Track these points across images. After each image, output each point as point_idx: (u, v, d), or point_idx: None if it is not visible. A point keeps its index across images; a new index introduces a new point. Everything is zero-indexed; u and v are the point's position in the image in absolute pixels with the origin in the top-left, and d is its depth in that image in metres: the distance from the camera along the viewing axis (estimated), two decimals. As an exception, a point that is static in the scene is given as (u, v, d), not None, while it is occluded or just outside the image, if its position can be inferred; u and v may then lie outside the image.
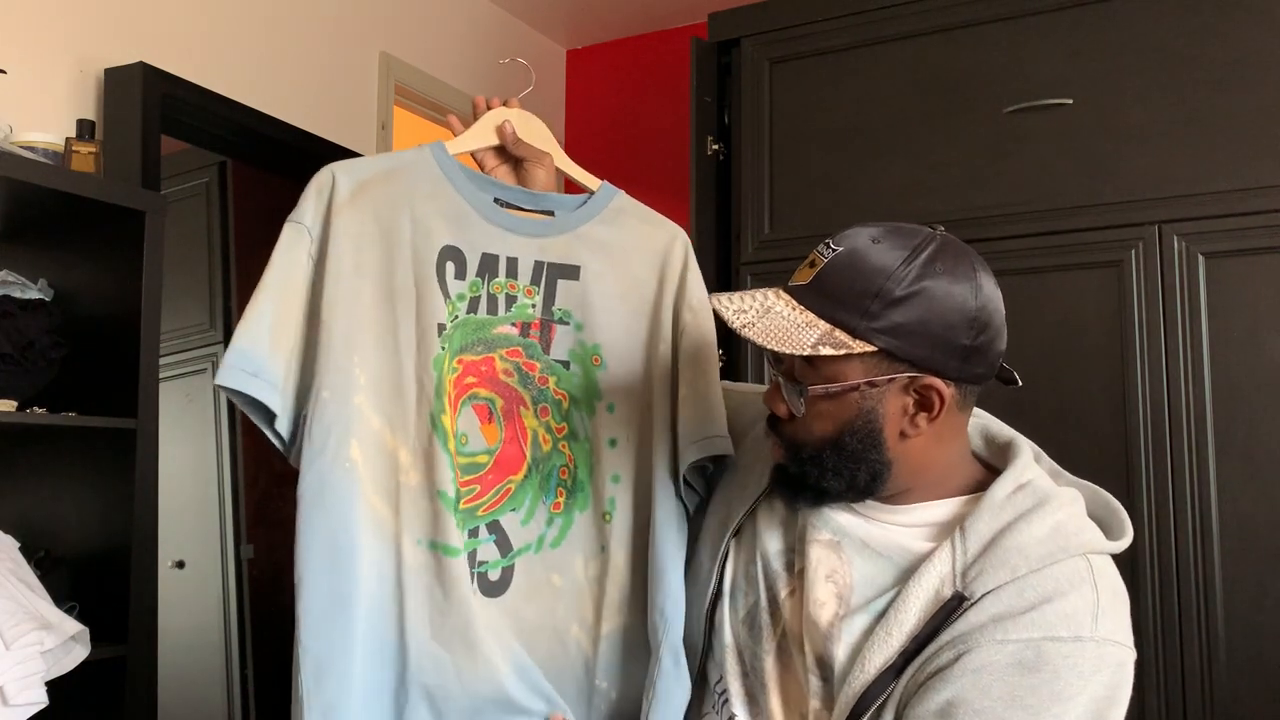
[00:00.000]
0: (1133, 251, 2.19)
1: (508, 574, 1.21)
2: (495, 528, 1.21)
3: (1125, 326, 2.18)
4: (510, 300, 1.24)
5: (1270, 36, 2.14)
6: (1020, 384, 1.10)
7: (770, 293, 1.05)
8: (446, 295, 1.21)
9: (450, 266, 1.22)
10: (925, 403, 1.03)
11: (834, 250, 1.02)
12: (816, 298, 1.02)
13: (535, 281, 1.25)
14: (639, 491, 1.24)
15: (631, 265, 1.30)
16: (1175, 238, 2.16)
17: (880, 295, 0.99)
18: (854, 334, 0.99)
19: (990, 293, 1.03)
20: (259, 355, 1.14)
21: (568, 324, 1.27)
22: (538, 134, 1.33)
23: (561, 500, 1.24)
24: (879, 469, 1.04)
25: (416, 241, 1.21)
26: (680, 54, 2.84)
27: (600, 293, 1.28)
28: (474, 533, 1.20)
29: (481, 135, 1.31)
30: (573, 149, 4.32)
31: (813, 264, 1.04)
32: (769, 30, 2.61)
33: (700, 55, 2.66)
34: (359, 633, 1.13)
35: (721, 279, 2.63)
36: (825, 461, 1.04)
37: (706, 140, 2.63)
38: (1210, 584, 2.07)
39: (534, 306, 1.25)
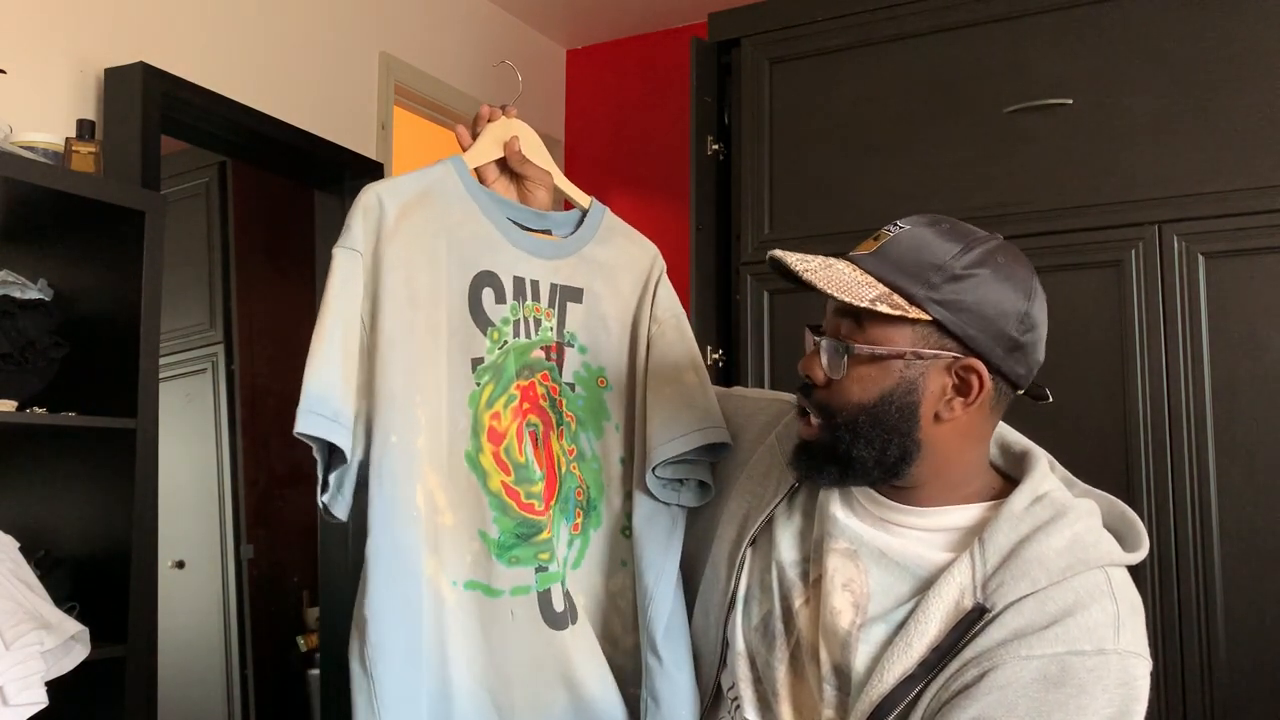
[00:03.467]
0: (1133, 251, 2.19)
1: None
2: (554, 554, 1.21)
3: (1125, 326, 2.18)
4: (537, 324, 1.24)
5: (1270, 36, 2.14)
6: (1050, 399, 1.10)
7: (831, 258, 1.06)
8: (489, 324, 1.20)
9: (489, 293, 1.21)
10: (964, 386, 1.03)
11: (900, 228, 1.05)
12: (878, 264, 1.03)
13: (551, 304, 1.26)
14: (636, 490, 1.25)
15: (622, 286, 1.31)
16: (1175, 238, 2.16)
17: (943, 269, 1.01)
18: (911, 300, 1.01)
19: (1041, 302, 1.05)
20: (334, 398, 1.09)
21: (573, 347, 1.27)
22: (538, 150, 1.32)
23: (579, 521, 1.23)
24: (909, 448, 1.04)
25: (451, 270, 1.18)
26: (680, 54, 2.84)
27: (600, 315, 1.29)
28: (542, 568, 1.19)
29: (491, 148, 1.29)
30: (573, 149, 4.35)
31: (876, 238, 1.05)
32: (769, 30, 2.61)
33: (700, 55, 2.66)
34: (424, 685, 1.12)
35: (721, 279, 2.63)
36: (860, 428, 1.03)
37: (706, 140, 2.63)
38: (1210, 584, 2.07)
39: (552, 329, 1.25)
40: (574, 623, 1.19)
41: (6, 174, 1.87)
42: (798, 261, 1.04)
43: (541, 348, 1.24)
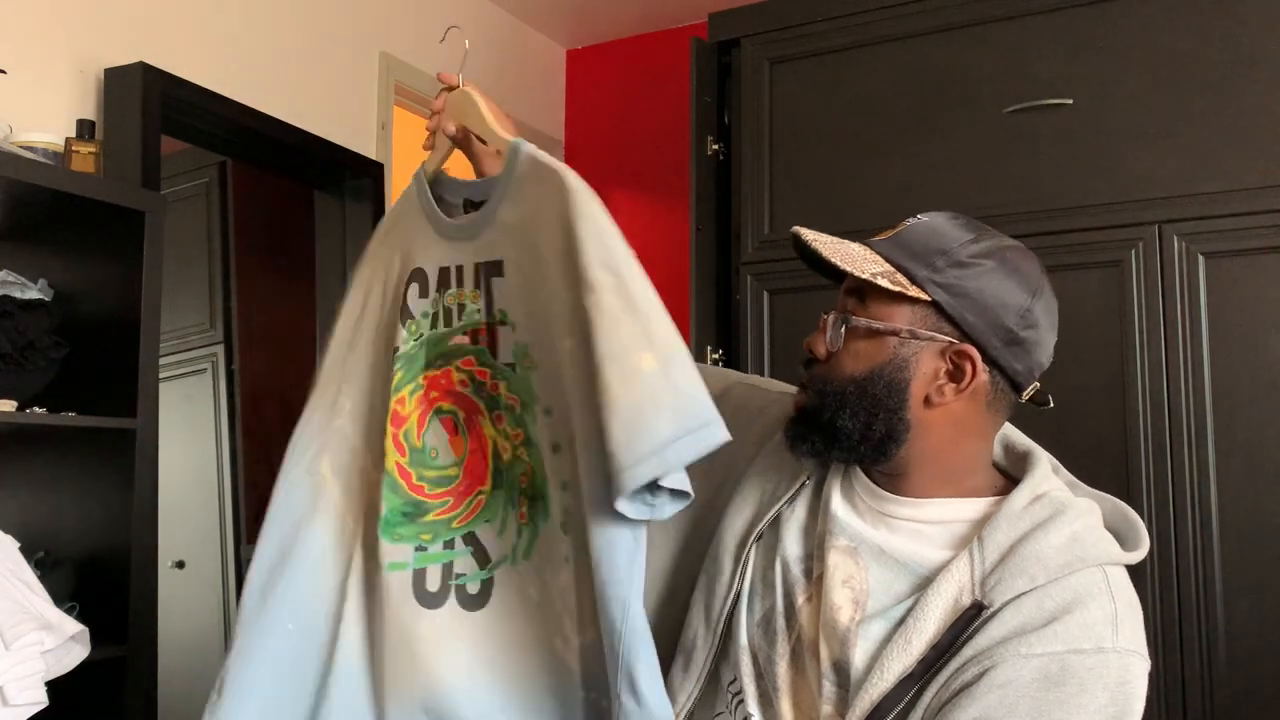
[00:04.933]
0: (1133, 251, 2.19)
1: (487, 586, 1.17)
2: (471, 539, 1.18)
3: (1125, 326, 2.18)
4: (461, 310, 1.20)
5: (1270, 36, 2.14)
6: (1051, 405, 1.11)
7: (846, 239, 1.10)
8: (408, 317, 1.23)
9: (414, 288, 1.23)
10: (958, 372, 1.04)
11: (920, 219, 1.08)
12: (889, 247, 1.07)
13: (477, 285, 1.17)
14: (586, 501, 1.06)
15: (537, 242, 1.10)
16: (1175, 238, 2.16)
17: (948, 253, 1.04)
18: (913, 280, 1.04)
19: (1047, 303, 1.07)
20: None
21: (506, 324, 1.16)
22: (469, 111, 1.23)
23: (524, 510, 1.15)
24: (896, 427, 1.05)
25: (399, 275, 1.25)
26: (680, 54, 2.84)
27: (519, 284, 1.13)
28: (449, 544, 1.19)
29: (441, 144, 1.28)
30: (573, 149, 4.34)
31: (894, 227, 1.09)
32: (769, 30, 2.61)
33: (700, 55, 2.66)
34: (278, 635, 1.18)
35: (721, 279, 2.63)
36: (847, 399, 1.05)
37: (706, 140, 2.63)
38: (1210, 584, 2.07)
39: (479, 311, 1.18)
40: (456, 606, 1.16)
41: (6, 174, 1.87)
42: (811, 235, 1.07)
43: (467, 332, 1.18)
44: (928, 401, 1.05)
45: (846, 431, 1.06)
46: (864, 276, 1.03)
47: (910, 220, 1.08)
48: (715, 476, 1.24)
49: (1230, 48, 2.17)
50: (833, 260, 1.05)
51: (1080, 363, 2.19)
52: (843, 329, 1.06)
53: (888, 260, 1.05)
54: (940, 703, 0.98)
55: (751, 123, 2.60)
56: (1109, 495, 1.12)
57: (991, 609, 0.98)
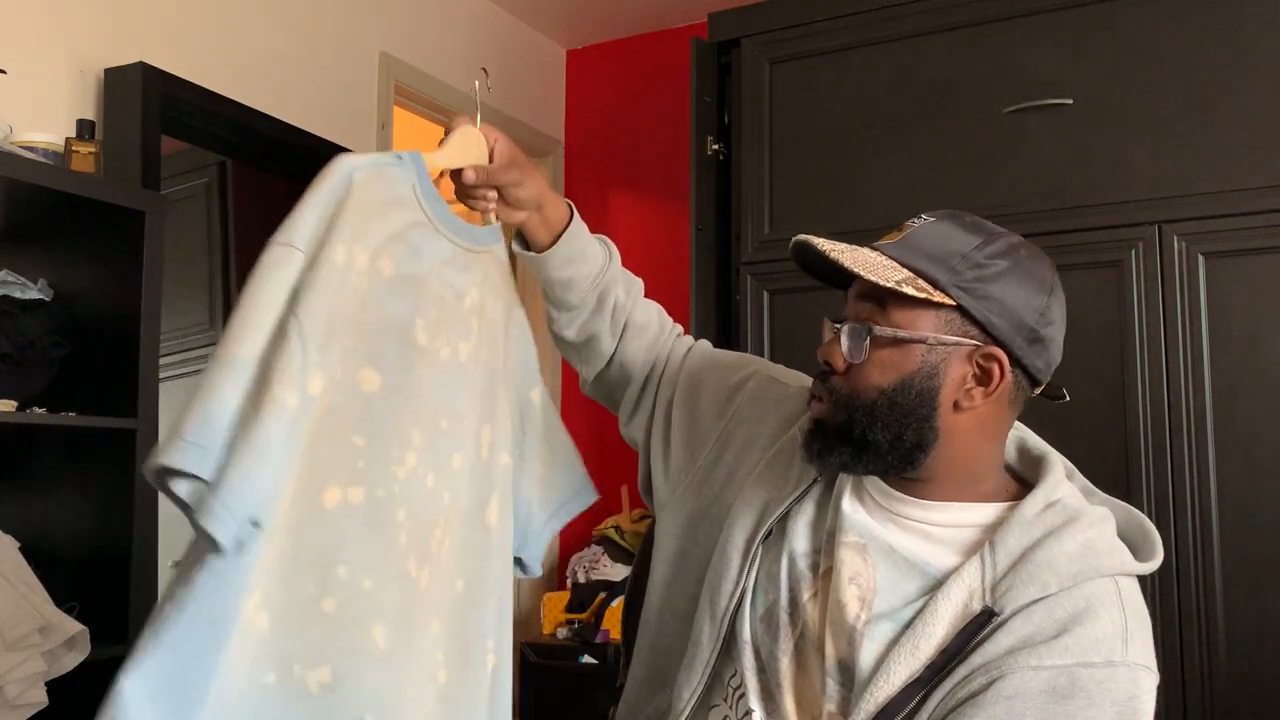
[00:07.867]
0: (1133, 251, 2.19)
1: None
2: None
3: (1125, 326, 2.18)
4: None
5: (1270, 36, 2.14)
6: (1068, 398, 1.10)
7: (857, 245, 1.07)
8: None
9: None
10: (985, 375, 1.03)
11: (924, 220, 1.06)
12: (902, 251, 1.04)
13: None
14: None
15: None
16: (1175, 238, 2.16)
17: (967, 257, 1.02)
18: (935, 286, 1.02)
19: (1060, 299, 1.06)
20: None
21: None
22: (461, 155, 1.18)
23: None
24: (927, 434, 1.03)
25: None
26: (680, 54, 2.84)
27: None
28: None
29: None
30: (573, 149, 4.32)
31: (900, 229, 1.06)
32: (769, 30, 2.61)
33: (700, 55, 2.66)
34: None
35: (721, 279, 2.63)
36: (877, 411, 1.03)
37: (706, 140, 2.63)
38: (1210, 583, 2.07)
39: None
40: None
41: (6, 174, 1.87)
42: (826, 245, 1.04)
43: None
44: (956, 406, 1.04)
45: (877, 444, 1.03)
46: (889, 285, 1.00)
47: (915, 222, 1.06)
48: (726, 468, 1.23)
49: (1230, 48, 2.17)
50: (856, 269, 1.01)
51: (1080, 363, 2.19)
52: (866, 339, 1.03)
53: (905, 266, 1.02)
54: (946, 710, 0.97)
55: (751, 123, 2.60)
56: (1125, 503, 1.11)
57: (1001, 616, 0.97)
